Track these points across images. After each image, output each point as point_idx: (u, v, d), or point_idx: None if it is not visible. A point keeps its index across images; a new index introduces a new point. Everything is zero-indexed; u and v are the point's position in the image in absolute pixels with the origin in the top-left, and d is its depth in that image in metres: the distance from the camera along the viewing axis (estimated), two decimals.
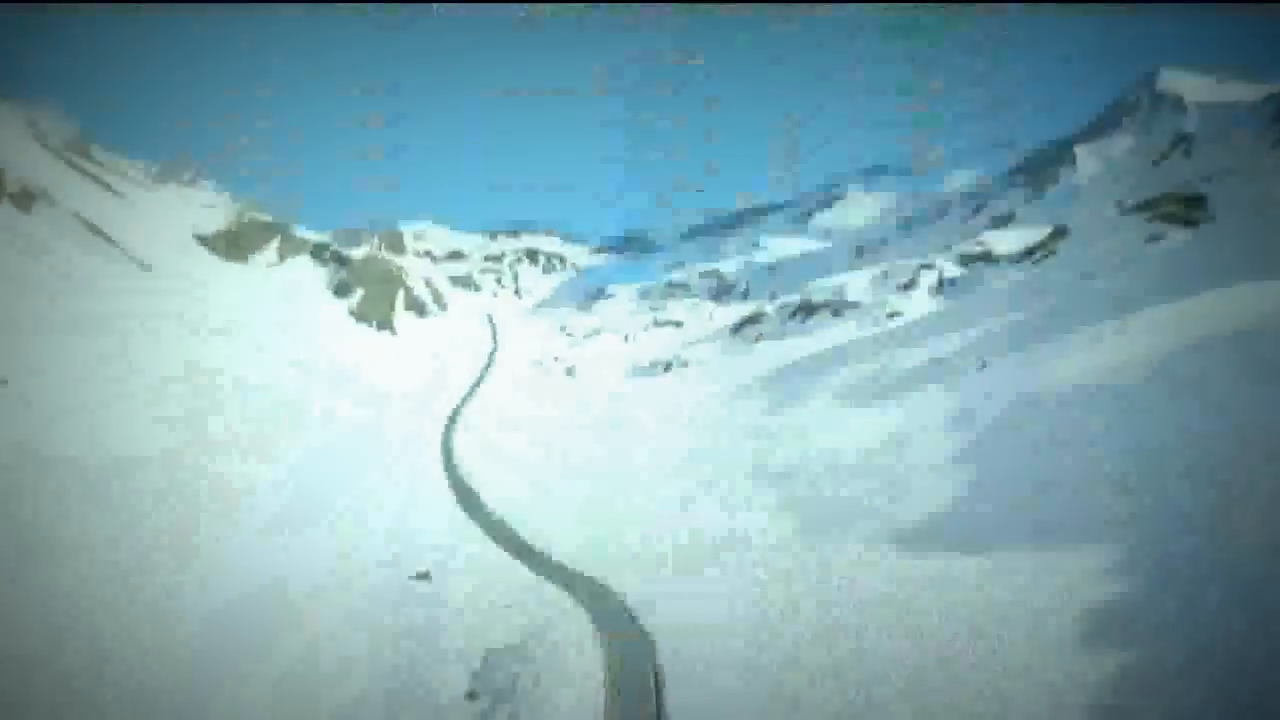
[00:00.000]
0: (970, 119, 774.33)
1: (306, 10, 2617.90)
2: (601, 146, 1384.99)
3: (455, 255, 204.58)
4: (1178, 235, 67.73)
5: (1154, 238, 69.62)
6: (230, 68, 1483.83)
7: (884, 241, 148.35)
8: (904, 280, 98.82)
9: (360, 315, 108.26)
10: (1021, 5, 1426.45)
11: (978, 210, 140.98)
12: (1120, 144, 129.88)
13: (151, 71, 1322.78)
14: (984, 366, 54.98)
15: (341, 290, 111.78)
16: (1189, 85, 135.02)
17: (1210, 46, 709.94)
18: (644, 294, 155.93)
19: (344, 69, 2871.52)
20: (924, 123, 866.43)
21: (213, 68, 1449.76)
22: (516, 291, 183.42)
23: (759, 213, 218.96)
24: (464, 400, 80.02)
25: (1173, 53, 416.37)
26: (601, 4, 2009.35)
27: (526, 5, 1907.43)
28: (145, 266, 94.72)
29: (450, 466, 56.47)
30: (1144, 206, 78.21)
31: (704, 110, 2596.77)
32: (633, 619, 30.83)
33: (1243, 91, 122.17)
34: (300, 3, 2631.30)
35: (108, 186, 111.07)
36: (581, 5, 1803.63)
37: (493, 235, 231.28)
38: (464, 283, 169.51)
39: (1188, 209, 71.14)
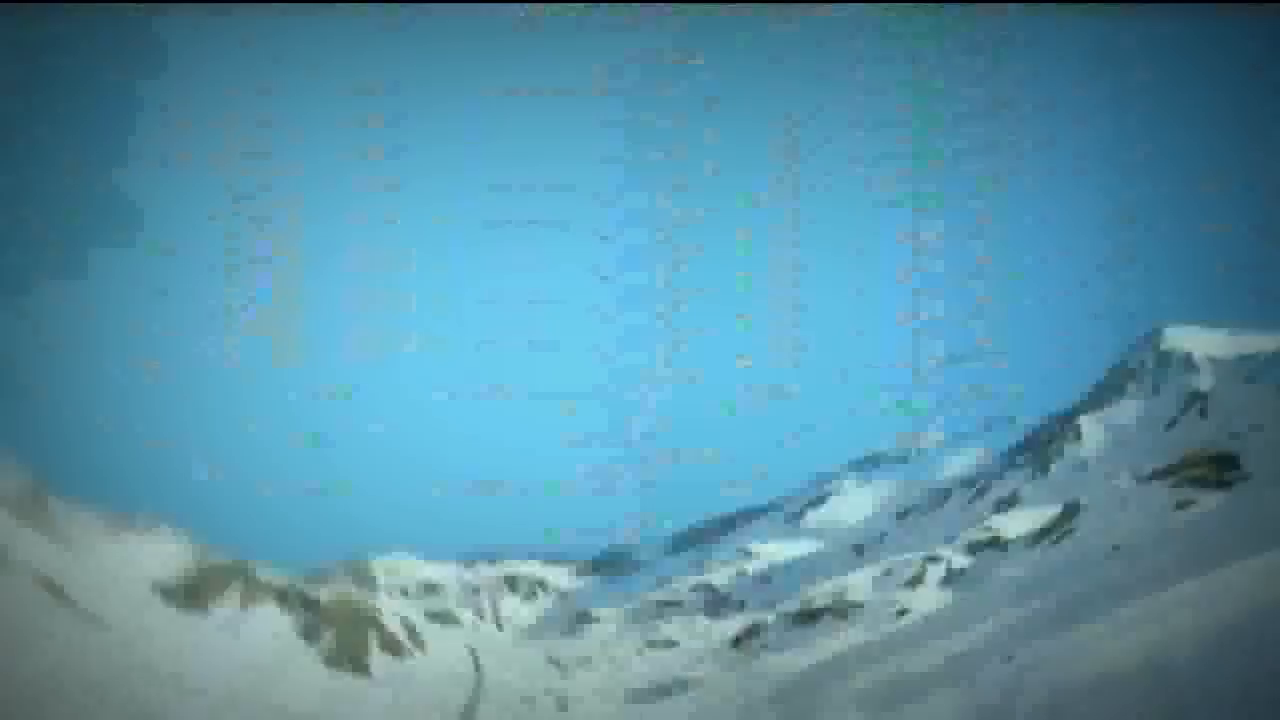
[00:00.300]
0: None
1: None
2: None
3: (431, 589, 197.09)
4: (1210, 499, 63.32)
5: (1183, 504, 65.08)
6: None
7: (883, 536, 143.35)
8: (909, 576, 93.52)
9: (331, 660, 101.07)
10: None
11: (980, 494, 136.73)
12: (1127, 410, 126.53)
13: (109, 412, 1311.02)
14: (1010, 659, 49.43)
15: (310, 635, 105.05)
16: (1197, 341, 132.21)
17: (1216, 301, 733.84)
18: (633, 616, 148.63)
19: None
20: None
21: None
22: (498, 623, 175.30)
23: (746, 517, 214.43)
24: None
25: (1173, 310, 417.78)
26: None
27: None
28: (101, 624, 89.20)
29: None
30: (1166, 472, 74.20)
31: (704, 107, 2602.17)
32: None
33: (1259, 342, 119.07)
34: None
35: (63, 540, 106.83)
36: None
37: (469, 564, 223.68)
38: (442, 618, 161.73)
39: (1218, 470, 66.98)
